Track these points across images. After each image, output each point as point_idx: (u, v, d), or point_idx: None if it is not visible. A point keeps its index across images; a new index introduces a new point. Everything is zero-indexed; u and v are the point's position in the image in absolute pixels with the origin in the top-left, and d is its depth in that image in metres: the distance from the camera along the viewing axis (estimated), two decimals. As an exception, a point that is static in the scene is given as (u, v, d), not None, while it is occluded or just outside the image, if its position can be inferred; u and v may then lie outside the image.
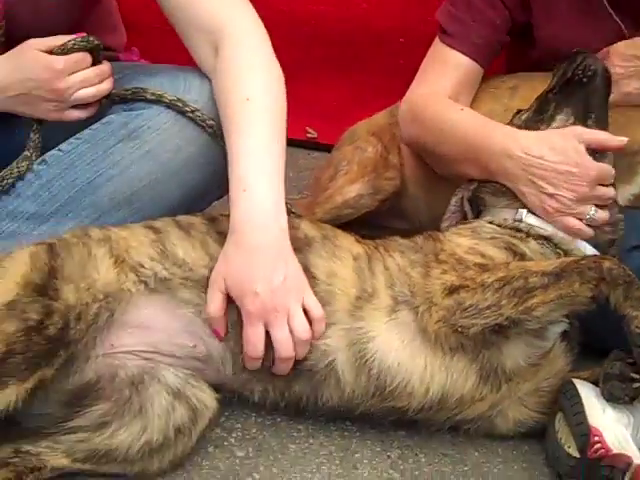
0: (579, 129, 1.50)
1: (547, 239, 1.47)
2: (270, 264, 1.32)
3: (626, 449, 1.29)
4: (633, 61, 1.65)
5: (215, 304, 1.33)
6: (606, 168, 1.49)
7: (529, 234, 1.46)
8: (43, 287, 1.28)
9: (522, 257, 1.42)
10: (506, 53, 1.89)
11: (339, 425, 1.42)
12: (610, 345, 1.38)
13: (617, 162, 1.53)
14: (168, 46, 1.74)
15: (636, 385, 1.34)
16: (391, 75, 2.17)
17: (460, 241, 1.44)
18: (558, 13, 1.74)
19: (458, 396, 1.36)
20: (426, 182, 1.81)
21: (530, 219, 1.48)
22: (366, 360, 1.34)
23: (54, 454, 1.27)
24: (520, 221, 1.48)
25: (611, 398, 1.34)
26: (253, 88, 1.42)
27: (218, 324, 1.34)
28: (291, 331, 1.33)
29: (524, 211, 1.49)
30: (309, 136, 2.47)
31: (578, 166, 1.46)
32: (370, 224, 1.75)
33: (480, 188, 1.56)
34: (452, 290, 1.35)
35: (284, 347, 1.32)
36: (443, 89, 1.71)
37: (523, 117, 1.58)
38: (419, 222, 1.78)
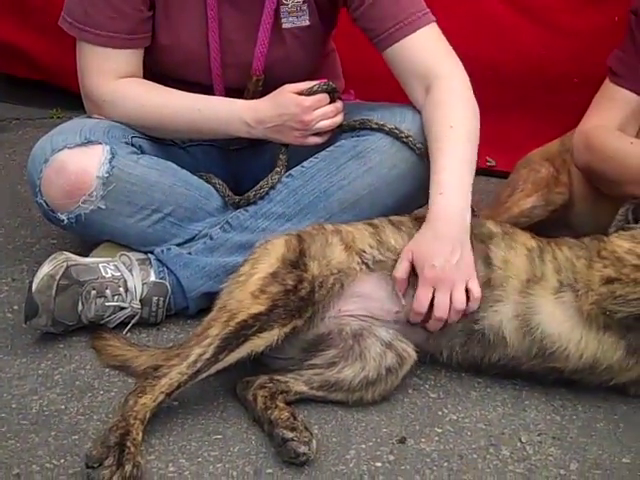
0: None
1: None
2: (450, 248, 1.64)
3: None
4: None
5: (402, 269, 1.67)
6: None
7: None
8: (296, 262, 1.67)
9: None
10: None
11: (511, 381, 1.73)
12: None
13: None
14: (372, 89, 2.16)
15: None
16: (564, 111, 2.34)
17: (620, 243, 1.68)
18: None
19: (607, 364, 1.64)
20: (592, 199, 2.04)
21: None
22: (530, 328, 1.65)
23: (297, 382, 1.64)
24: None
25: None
26: (455, 118, 1.76)
27: (401, 285, 1.68)
28: (451, 300, 1.63)
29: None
30: (489, 164, 2.67)
31: None
32: (541, 235, 1.84)
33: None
34: (608, 281, 1.63)
35: (440, 308, 1.64)
36: (612, 122, 1.95)
37: None
38: (584, 233, 1.85)
